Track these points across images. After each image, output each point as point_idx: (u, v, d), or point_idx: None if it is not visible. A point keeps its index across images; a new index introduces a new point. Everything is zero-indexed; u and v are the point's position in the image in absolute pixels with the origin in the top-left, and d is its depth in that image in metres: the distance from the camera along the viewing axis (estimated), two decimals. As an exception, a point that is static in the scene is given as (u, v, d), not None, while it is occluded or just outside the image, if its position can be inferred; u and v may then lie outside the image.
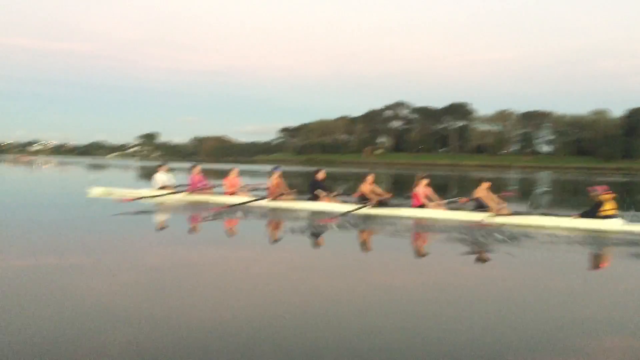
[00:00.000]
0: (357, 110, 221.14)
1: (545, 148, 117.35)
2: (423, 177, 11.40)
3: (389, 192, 12.07)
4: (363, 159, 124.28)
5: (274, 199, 12.25)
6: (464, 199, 11.38)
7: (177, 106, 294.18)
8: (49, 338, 3.61)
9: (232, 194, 13.03)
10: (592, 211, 9.80)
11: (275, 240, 8.20)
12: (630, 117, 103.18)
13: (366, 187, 11.82)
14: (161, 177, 13.93)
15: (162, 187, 13.70)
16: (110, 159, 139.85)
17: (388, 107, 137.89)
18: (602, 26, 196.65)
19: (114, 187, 14.57)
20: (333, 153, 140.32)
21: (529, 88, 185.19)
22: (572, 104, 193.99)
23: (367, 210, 11.04)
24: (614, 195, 9.99)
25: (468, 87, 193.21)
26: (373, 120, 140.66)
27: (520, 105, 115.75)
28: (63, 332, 3.72)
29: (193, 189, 13.50)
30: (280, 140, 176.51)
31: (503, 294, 5.11)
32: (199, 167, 14.00)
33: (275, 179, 12.66)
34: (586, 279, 6.03)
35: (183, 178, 15.83)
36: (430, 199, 11.39)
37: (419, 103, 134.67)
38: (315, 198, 12.10)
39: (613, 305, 4.76)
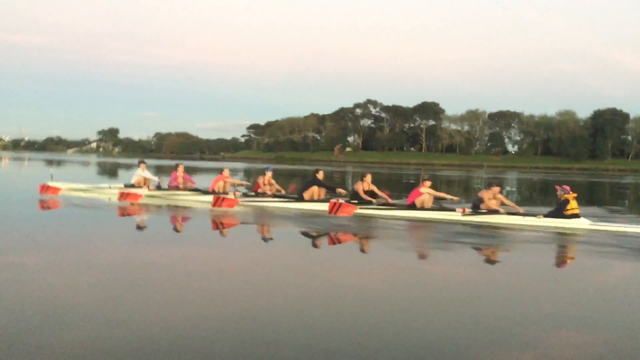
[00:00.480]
0: (323, 108, 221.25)
1: (514, 148, 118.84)
2: (426, 179, 11.37)
3: (386, 191, 12.02)
4: (333, 157, 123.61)
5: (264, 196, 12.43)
6: (461, 209, 11.13)
7: (137, 101, 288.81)
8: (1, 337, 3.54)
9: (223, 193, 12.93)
10: (558, 210, 10.07)
11: (265, 239, 8.27)
12: (596, 119, 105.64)
13: (363, 186, 11.69)
14: (142, 174, 13.81)
15: (142, 185, 13.74)
16: (69, 154, 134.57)
17: (358, 106, 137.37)
18: (563, 30, 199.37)
19: (77, 182, 14.66)
20: (302, 151, 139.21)
21: (492, 88, 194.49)
22: (535, 104, 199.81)
23: (369, 211, 11.07)
24: (575, 195, 10.38)
25: (434, 86, 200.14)
26: (343, 119, 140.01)
27: (485, 105, 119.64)
28: (17, 331, 3.65)
29: (176, 187, 13.53)
30: (247, 137, 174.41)
31: (467, 291, 5.20)
32: (183, 166, 13.94)
33: (268, 178, 12.72)
34: (548, 276, 6.16)
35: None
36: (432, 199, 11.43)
37: (387, 102, 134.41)
38: (301, 198, 11.91)
39: (573, 301, 4.95)
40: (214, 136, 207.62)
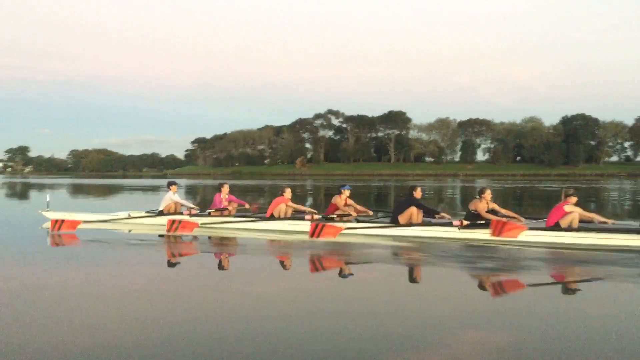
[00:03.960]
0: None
1: (485, 156, 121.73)
2: (571, 194, 9.60)
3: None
4: (296, 170, 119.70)
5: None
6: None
7: (34, 118, 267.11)
8: None
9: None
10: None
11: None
12: (566, 125, 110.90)
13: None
14: (173, 198, 12.24)
15: (172, 212, 12.07)
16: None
17: (318, 116, 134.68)
18: (455, 44, 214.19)
19: (87, 212, 13.06)
20: (258, 165, 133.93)
21: (390, 98, 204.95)
22: (429, 113, 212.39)
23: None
24: None
25: (336, 98, 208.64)
26: (302, 130, 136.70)
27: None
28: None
29: (222, 211, 11.84)
30: (189, 152, 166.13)
31: (373, 298, 5.40)
32: (228, 185, 12.37)
33: (345, 197, 11.28)
34: (445, 281, 6.40)
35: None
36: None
37: (348, 112, 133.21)
38: (396, 221, 10.52)
39: (474, 304, 5.22)
40: (126, 152, 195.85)
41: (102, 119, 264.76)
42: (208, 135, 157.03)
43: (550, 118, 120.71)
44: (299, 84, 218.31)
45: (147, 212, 12.65)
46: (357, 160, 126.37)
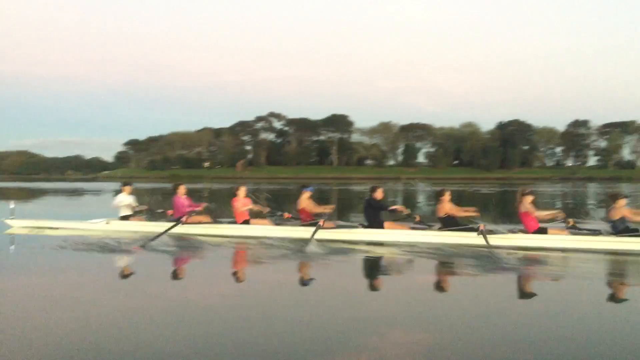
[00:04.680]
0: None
1: (427, 160, 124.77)
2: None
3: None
4: (237, 174, 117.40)
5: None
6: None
7: None
8: None
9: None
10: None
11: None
12: (503, 130, 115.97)
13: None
14: (126, 200, 11.67)
15: (129, 214, 11.60)
16: None
17: (260, 119, 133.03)
18: (382, 50, 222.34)
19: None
20: (196, 168, 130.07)
21: (332, 101, 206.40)
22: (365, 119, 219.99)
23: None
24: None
25: (278, 100, 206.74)
26: (242, 133, 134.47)
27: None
28: None
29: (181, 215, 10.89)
30: (120, 154, 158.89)
31: (302, 298, 5.64)
32: (184, 187, 11.46)
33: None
34: (377, 281, 6.79)
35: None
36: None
37: (291, 115, 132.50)
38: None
39: (400, 303, 5.39)
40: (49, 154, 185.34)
41: (16, 118, 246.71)
42: (141, 137, 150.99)
43: (485, 125, 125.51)
44: (238, 85, 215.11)
45: (120, 219, 11.73)
46: (300, 163, 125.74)
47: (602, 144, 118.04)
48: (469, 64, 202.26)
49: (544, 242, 8.70)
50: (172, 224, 10.37)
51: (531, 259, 8.13)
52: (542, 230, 8.97)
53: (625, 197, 9.03)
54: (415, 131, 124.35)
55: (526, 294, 6.15)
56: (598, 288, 6.27)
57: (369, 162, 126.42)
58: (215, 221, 10.92)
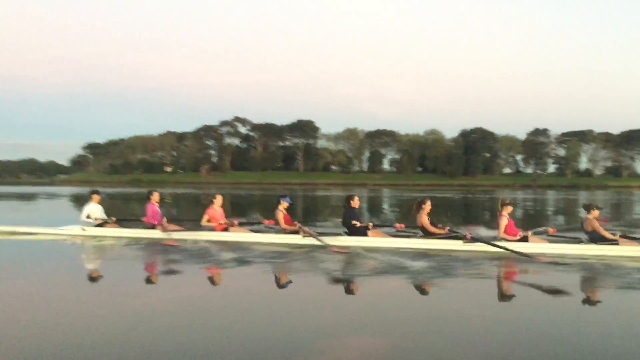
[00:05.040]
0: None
1: (392, 166, 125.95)
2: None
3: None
4: (202, 179, 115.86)
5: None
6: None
7: None
8: None
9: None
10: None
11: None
12: (466, 137, 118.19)
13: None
14: (95, 209, 11.41)
15: (100, 224, 11.27)
16: None
17: (225, 123, 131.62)
18: (340, 56, 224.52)
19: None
20: (159, 172, 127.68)
21: (297, 107, 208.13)
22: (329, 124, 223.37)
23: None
24: None
25: (243, 105, 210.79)
26: (206, 137, 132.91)
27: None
28: None
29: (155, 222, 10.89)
30: (79, 158, 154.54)
31: (252, 304, 5.57)
32: (158, 194, 11.29)
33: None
34: (349, 287, 6.74)
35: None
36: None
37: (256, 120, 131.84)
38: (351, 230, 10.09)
39: (359, 309, 5.39)
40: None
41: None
42: (100, 141, 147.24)
43: (449, 132, 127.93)
44: (202, 89, 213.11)
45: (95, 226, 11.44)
46: (266, 169, 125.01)
47: (561, 152, 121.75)
48: (424, 73, 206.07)
49: (527, 250, 8.76)
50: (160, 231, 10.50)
51: (511, 266, 8.23)
52: (524, 239, 9.09)
53: (599, 208, 9.23)
54: (380, 138, 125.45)
55: (498, 299, 6.21)
56: (574, 295, 6.32)
57: (334, 168, 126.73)
58: (192, 228, 10.75)
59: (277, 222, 10.45)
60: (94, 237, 10.83)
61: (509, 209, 9.37)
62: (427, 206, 9.69)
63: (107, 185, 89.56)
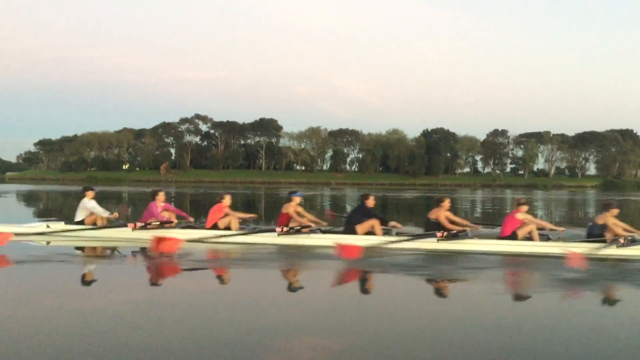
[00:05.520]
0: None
1: (354, 166, 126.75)
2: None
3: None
4: (162, 177, 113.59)
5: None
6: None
7: None
8: None
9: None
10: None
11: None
12: (428, 137, 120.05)
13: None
14: (89, 205, 10.82)
15: (97, 223, 10.64)
16: None
17: (185, 120, 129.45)
18: (296, 55, 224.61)
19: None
20: (116, 170, 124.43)
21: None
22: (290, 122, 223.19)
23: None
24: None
25: (205, 103, 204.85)
26: (165, 134, 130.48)
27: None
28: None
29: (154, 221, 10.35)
30: (29, 155, 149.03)
31: (205, 304, 5.58)
32: (163, 193, 10.91)
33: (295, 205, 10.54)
34: (285, 288, 6.78)
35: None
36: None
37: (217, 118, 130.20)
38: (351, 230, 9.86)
39: (309, 309, 5.42)
40: None
41: None
42: (53, 137, 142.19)
43: (410, 132, 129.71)
44: (160, 86, 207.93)
45: (66, 223, 11.04)
46: (227, 167, 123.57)
47: (519, 153, 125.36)
48: (379, 74, 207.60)
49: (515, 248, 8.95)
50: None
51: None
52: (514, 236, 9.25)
53: (617, 208, 9.36)
54: (343, 137, 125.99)
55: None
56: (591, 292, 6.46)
57: (297, 167, 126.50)
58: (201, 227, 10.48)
59: (292, 219, 10.30)
60: (62, 237, 10.26)
61: (524, 208, 9.51)
62: (446, 204, 9.73)
63: (61, 183, 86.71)
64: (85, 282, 6.88)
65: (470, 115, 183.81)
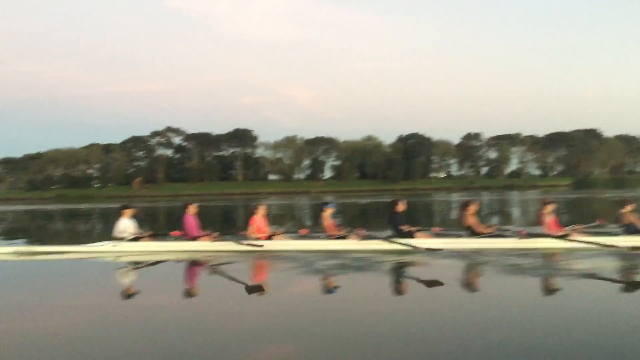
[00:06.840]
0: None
1: (333, 173, 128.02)
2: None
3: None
4: (137, 192, 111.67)
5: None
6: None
7: None
8: None
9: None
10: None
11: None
12: (404, 143, 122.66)
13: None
14: (129, 224, 11.14)
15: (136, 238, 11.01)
16: None
17: (156, 134, 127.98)
18: (241, 66, 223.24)
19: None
20: (85, 187, 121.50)
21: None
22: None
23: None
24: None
25: (176, 115, 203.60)
26: (136, 149, 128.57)
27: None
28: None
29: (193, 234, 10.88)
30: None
31: (174, 314, 5.84)
32: (195, 206, 11.19)
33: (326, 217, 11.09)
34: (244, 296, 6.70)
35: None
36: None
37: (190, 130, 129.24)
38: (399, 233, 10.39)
39: (274, 318, 5.53)
40: None
41: None
42: (16, 155, 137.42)
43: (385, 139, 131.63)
44: (127, 98, 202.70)
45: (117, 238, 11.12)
46: (203, 179, 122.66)
47: (493, 155, 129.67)
48: (325, 81, 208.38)
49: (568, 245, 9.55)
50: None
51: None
52: (565, 235, 9.80)
53: (632, 203, 10.21)
54: (320, 145, 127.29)
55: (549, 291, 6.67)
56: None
57: (275, 176, 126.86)
58: (239, 239, 10.63)
59: (324, 229, 10.69)
60: (129, 252, 10.65)
61: (550, 207, 10.34)
62: (473, 207, 10.24)
63: (28, 203, 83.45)
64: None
65: (445, 119, 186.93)
